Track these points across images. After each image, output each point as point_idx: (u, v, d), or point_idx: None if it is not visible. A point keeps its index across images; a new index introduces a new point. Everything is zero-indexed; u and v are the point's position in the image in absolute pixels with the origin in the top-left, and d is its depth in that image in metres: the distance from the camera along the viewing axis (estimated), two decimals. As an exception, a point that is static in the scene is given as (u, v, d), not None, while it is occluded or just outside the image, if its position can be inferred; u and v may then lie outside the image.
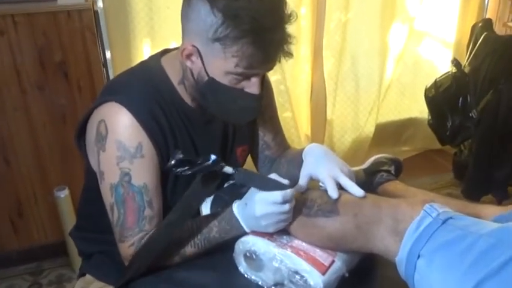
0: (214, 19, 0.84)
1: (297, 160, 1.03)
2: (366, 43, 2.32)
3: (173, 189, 0.99)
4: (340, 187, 0.91)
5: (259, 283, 0.89)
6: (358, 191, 0.88)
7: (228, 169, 0.86)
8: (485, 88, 2.04)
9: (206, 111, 0.98)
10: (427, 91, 2.23)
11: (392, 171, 1.13)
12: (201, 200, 0.97)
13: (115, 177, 0.91)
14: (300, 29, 2.14)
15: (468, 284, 0.69)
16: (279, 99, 2.13)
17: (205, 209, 1.03)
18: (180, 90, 0.98)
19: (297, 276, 0.84)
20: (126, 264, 0.95)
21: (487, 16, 2.46)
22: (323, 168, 0.93)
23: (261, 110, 1.00)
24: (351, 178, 0.92)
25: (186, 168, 0.83)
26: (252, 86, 0.91)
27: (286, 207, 0.85)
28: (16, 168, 1.79)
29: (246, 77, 0.89)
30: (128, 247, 0.93)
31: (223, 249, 0.92)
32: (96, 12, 1.74)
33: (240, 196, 0.91)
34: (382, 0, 2.26)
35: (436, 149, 2.64)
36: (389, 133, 2.64)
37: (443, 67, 2.50)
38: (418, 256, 0.76)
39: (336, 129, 2.44)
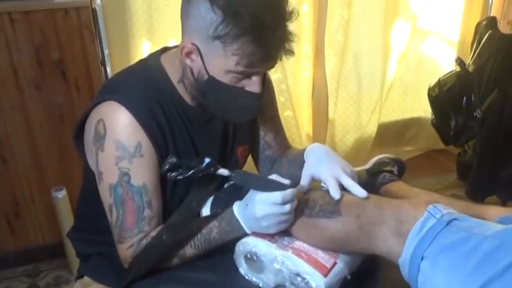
0: (215, 17, 0.84)
1: (299, 160, 1.03)
2: (368, 41, 2.32)
3: (173, 189, 0.99)
4: (343, 188, 0.91)
5: (260, 285, 0.89)
6: (360, 192, 0.88)
7: (224, 171, 0.86)
8: (490, 87, 2.04)
9: (206, 110, 0.98)
10: (430, 90, 2.23)
11: (395, 172, 1.14)
12: (203, 203, 0.97)
13: (114, 177, 0.91)
14: (301, 27, 2.14)
15: (472, 286, 0.69)
16: (280, 98, 2.13)
17: (205, 209, 1.03)
18: (180, 89, 0.98)
19: (299, 278, 0.84)
20: (125, 266, 0.95)
21: (492, 14, 2.46)
22: (325, 168, 0.93)
23: (261, 108, 1.00)
24: (353, 178, 0.92)
25: (180, 172, 0.83)
26: (252, 85, 0.91)
27: (287, 208, 0.85)
28: (13, 168, 1.79)
29: (247, 75, 0.89)
30: (126, 248, 0.93)
31: (224, 250, 0.92)
32: (94, 10, 1.74)
33: (240, 196, 0.91)
34: (384, -2, 2.26)
35: (440, 149, 2.63)
36: (392, 133, 2.64)
37: (446, 66, 2.49)
38: (422, 258, 0.76)
39: (338, 128, 2.44)
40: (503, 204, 2.09)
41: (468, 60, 2.19)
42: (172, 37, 1.89)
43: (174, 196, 0.99)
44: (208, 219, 0.93)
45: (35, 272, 1.93)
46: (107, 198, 0.93)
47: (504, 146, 2.04)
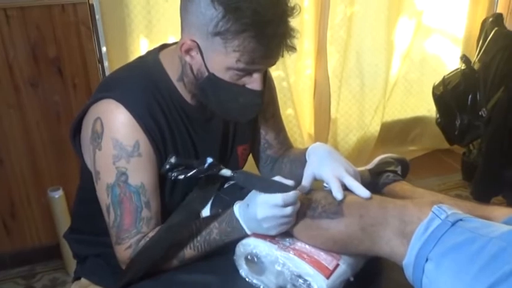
0: (215, 12, 0.84)
1: (300, 160, 1.03)
2: (372, 38, 2.32)
3: (172, 189, 0.99)
4: (345, 188, 0.91)
5: (261, 287, 0.89)
6: (363, 192, 0.88)
7: (226, 172, 0.86)
8: (496, 85, 2.03)
9: (206, 108, 0.98)
10: (434, 89, 2.23)
11: (399, 172, 1.14)
12: (204, 204, 0.96)
13: (111, 177, 0.91)
14: (303, 23, 2.14)
15: (478, 288, 0.69)
16: (281, 97, 2.12)
17: (205, 210, 1.03)
18: (179, 86, 0.98)
19: (300, 280, 0.84)
20: (122, 268, 0.95)
21: (498, 11, 2.46)
22: (327, 168, 0.93)
23: (262, 107, 1.00)
24: (356, 179, 0.92)
25: (181, 172, 0.83)
26: (253, 82, 0.91)
27: (288, 210, 0.85)
28: (8, 168, 1.79)
29: (248, 72, 0.89)
30: (124, 249, 0.93)
31: (224, 252, 0.92)
32: (91, 6, 1.74)
33: (241, 197, 0.91)
34: (388, -6, 2.26)
35: (444, 149, 2.63)
36: (395, 132, 2.64)
37: (451, 64, 2.49)
38: (426, 259, 0.76)
39: (340, 128, 2.44)
40: (510, 204, 2.09)
41: (474, 58, 2.18)
42: (171, 34, 1.89)
43: (173, 196, 0.99)
44: (208, 220, 0.93)
45: (30, 273, 1.93)
46: (104, 198, 0.93)
47: (510, 145, 2.04)
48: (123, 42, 1.88)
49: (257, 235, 0.90)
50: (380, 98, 2.41)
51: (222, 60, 0.87)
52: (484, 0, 2.48)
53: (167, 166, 0.83)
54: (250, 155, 1.19)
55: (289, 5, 0.88)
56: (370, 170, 1.15)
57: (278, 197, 0.84)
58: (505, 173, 2.08)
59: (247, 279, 0.91)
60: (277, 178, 0.89)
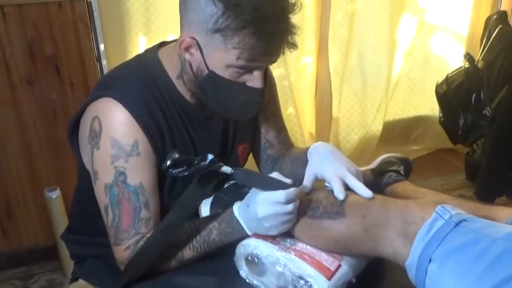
0: (215, 9, 0.84)
1: (302, 159, 1.03)
2: (374, 36, 2.32)
3: (170, 189, 0.99)
4: (347, 188, 0.91)
5: (262, 288, 0.89)
6: (366, 192, 0.88)
7: (227, 169, 0.86)
8: (500, 84, 2.03)
9: (206, 107, 0.98)
10: (438, 87, 2.23)
11: (402, 172, 1.14)
12: (200, 201, 0.97)
13: (109, 177, 0.91)
14: (304, 21, 2.14)
15: (482, 289, 0.70)
16: (281, 95, 2.13)
17: (205, 210, 1.03)
18: (179, 85, 0.98)
19: (301, 282, 0.84)
20: (121, 269, 0.95)
21: (502, 8, 2.45)
22: (329, 167, 0.93)
23: (263, 105, 1.00)
24: (358, 178, 0.92)
25: (183, 169, 0.83)
26: (254, 80, 0.91)
27: (290, 207, 0.85)
28: (4, 167, 1.79)
29: (248, 70, 0.89)
30: (123, 250, 0.93)
31: (224, 252, 0.92)
32: (89, 3, 1.74)
33: (241, 196, 0.91)
34: (391, -9, 2.26)
35: (448, 149, 2.63)
36: (398, 131, 2.64)
37: (455, 62, 2.49)
38: (430, 260, 0.76)
39: (342, 127, 2.44)
40: (514, 205, 2.09)
41: (477, 56, 2.18)
42: (170, 31, 1.89)
43: (172, 195, 0.99)
44: (208, 220, 0.93)
45: (27, 275, 1.93)
46: (102, 198, 0.93)
47: (514, 145, 2.04)
48: (121, 40, 1.88)
49: (258, 235, 0.90)
50: (382, 96, 2.41)
51: (222, 57, 0.87)
52: (488, -3, 2.49)
53: (168, 162, 0.83)
54: (251, 155, 1.19)
55: (289, 1, 0.88)
56: (372, 170, 1.15)
57: (280, 194, 0.84)
58: (509, 173, 2.08)
59: (247, 281, 0.91)
60: (274, 175, 0.88)
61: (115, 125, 0.90)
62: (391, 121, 2.59)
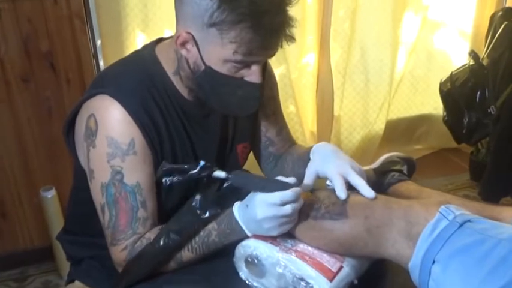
0: (210, 2, 0.83)
1: (304, 159, 1.03)
2: (376, 33, 2.32)
3: (168, 189, 0.99)
4: (349, 187, 0.91)
5: (262, 290, 0.89)
6: (368, 192, 0.88)
7: (220, 173, 0.86)
8: (505, 82, 2.03)
9: (204, 104, 0.98)
10: (442, 85, 2.23)
11: (405, 171, 1.14)
12: (207, 206, 0.95)
13: (106, 176, 0.91)
14: (305, 17, 2.13)
15: (487, 291, 0.70)
16: (282, 94, 2.12)
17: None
18: (176, 81, 0.97)
19: (302, 283, 0.84)
20: (118, 270, 0.95)
21: (507, 5, 2.45)
22: (332, 165, 0.93)
23: (262, 100, 0.99)
24: (362, 177, 0.92)
25: (175, 177, 0.83)
26: (252, 75, 0.90)
27: (288, 209, 0.84)
28: (-1, 166, 1.80)
29: (246, 64, 0.89)
30: (120, 251, 0.93)
31: (223, 253, 0.92)
32: (85, -1, 1.74)
33: (240, 197, 0.91)
34: (394, -13, 2.26)
35: (452, 148, 2.63)
36: (401, 130, 2.64)
37: (459, 59, 2.49)
38: (433, 261, 0.76)
39: (344, 126, 2.44)
40: (519, 205, 2.09)
41: (482, 53, 2.18)
42: (168, 28, 1.88)
43: (170, 196, 0.99)
44: (207, 221, 0.93)
45: (22, 276, 1.93)
46: (98, 198, 0.93)
47: (520, 144, 2.04)
48: (118, 36, 1.87)
49: (257, 236, 0.90)
50: (385, 94, 2.41)
51: (218, 52, 0.87)
52: (493, -7, 2.49)
53: (160, 173, 0.84)
54: (251, 154, 1.19)
55: None
56: (375, 170, 1.15)
57: (276, 196, 0.84)
58: (515, 172, 2.08)
59: (247, 282, 0.91)
60: (278, 178, 0.88)
61: (111, 123, 0.90)
62: (394, 120, 2.59)
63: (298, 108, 2.26)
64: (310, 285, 0.83)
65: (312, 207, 0.89)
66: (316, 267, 0.85)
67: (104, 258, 0.98)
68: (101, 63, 1.86)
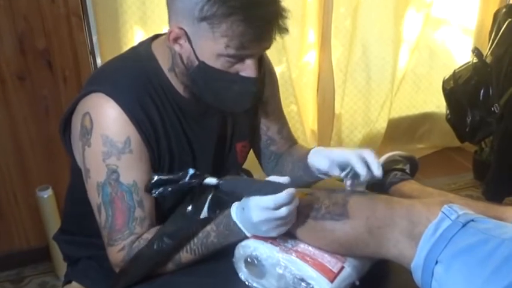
0: None
1: (303, 161, 1.03)
2: (378, 30, 2.32)
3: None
4: (350, 188, 0.91)
5: (261, 291, 0.89)
6: (377, 170, 0.91)
7: (211, 180, 0.85)
8: (509, 80, 2.03)
9: (200, 101, 0.97)
10: (445, 83, 2.23)
11: (407, 171, 1.13)
12: (201, 209, 0.95)
13: (101, 175, 0.91)
14: (305, 14, 2.13)
15: (491, 292, 0.70)
16: (283, 91, 2.11)
17: (203, 212, 1.02)
18: (171, 78, 0.97)
19: (303, 284, 0.84)
20: (116, 271, 0.95)
21: (511, 1, 2.45)
22: (343, 150, 0.95)
23: (259, 95, 0.98)
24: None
25: (166, 188, 0.83)
26: (247, 69, 0.90)
27: (283, 211, 0.83)
28: (-6, 166, 1.80)
29: (240, 59, 0.88)
30: (117, 252, 0.93)
31: (222, 254, 0.92)
32: (82, -5, 1.74)
33: (239, 196, 0.91)
34: (396, -17, 2.26)
35: (455, 147, 2.64)
36: (403, 129, 2.64)
37: (462, 57, 2.49)
38: (436, 262, 0.76)
39: (345, 124, 2.44)
40: (523, 205, 2.09)
41: (486, 51, 2.18)
42: (167, 25, 1.83)
43: (166, 201, 0.99)
44: (205, 222, 0.93)
45: (18, 277, 1.93)
46: (94, 197, 0.93)
47: (524, 143, 2.04)
48: (115, 34, 1.87)
49: (257, 236, 0.89)
50: (387, 92, 2.41)
51: (210, 47, 0.86)
52: (497, -10, 2.48)
53: (149, 185, 0.84)
54: (252, 153, 1.19)
55: None
56: (376, 169, 1.15)
57: (269, 199, 0.83)
58: (519, 172, 2.08)
59: (247, 283, 0.91)
60: (271, 178, 0.87)
61: (106, 122, 0.90)
62: (396, 118, 2.59)
63: (299, 107, 2.26)
64: (311, 286, 0.83)
65: (312, 207, 0.89)
66: (317, 268, 0.84)
67: (102, 258, 0.98)
68: (99, 60, 1.86)
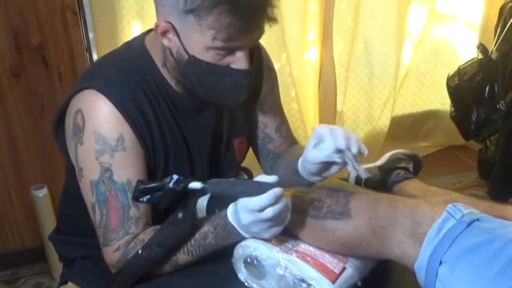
0: None
1: (294, 168, 1.01)
2: (381, 26, 2.31)
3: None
4: (353, 186, 0.91)
5: (261, 292, 0.89)
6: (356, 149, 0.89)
7: (196, 185, 0.84)
8: (515, 76, 2.03)
9: (194, 95, 0.97)
10: (449, 80, 2.23)
11: (411, 169, 1.14)
12: (190, 215, 0.94)
13: (95, 174, 0.91)
14: (306, 10, 2.13)
15: (496, 293, 0.70)
16: (283, 89, 2.12)
17: (201, 209, 1.02)
18: (165, 73, 0.97)
19: (304, 285, 0.84)
20: (112, 271, 0.95)
21: (518, -4, 2.45)
22: (317, 154, 0.92)
23: (251, 86, 0.96)
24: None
25: (153, 195, 0.83)
26: (238, 61, 0.89)
27: (269, 213, 0.81)
28: (-12, 165, 1.79)
29: (230, 51, 0.88)
30: (112, 252, 0.93)
31: (222, 255, 0.92)
32: (78, -10, 1.73)
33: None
34: (399, -23, 2.25)
35: (459, 145, 2.63)
36: (406, 127, 2.64)
37: (467, 53, 2.48)
38: (440, 262, 0.76)
39: (347, 122, 2.44)
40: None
41: (491, 47, 2.18)
42: (165, 20, 1.87)
43: (159, 203, 0.98)
44: (203, 222, 0.92)
45: (13, 278, 1.93)
46: (89, 196, 0.93)
47: (530, 141, 2.04)
48: (112, 29, 1.87)
49: (257, 236, 0.89)
50: (390, 89, 2.41)
51: (199, 40, 0.86)
52: (503, -16, 2.48)
53: (135, 193, 0.84)
54: (252, 152, 1.19)
55: None
56: (379, 167, 1.15)
57: (253, 202, 0.82)
58: (525, 170, 2.08)
59: (246, 284, 0.91)
60: (259, 177, 0.86)
61: (99, 119, 0.90)
62: (400, 116, 2.59)
63: (300, 104, 2.26)
64: (312, 287, 0.83)
65: (313, 206, 0.89)
66: (318, 268, 0.84)
67: (97, 258, 0.98)
68: (95, 56, 1.86)
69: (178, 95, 0.98)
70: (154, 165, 0.97)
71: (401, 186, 1.08)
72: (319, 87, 2.34)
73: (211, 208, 0.99)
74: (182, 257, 0.92)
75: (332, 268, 0.85)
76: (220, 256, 0.92)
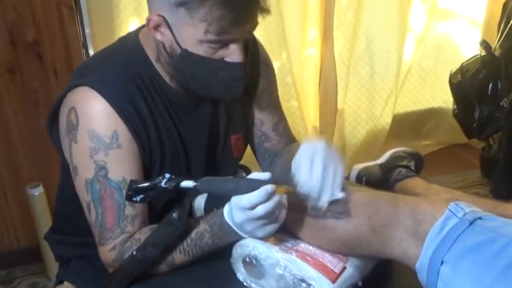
0: None
1: (288, 168, 1.00)
2: (383, 22, 2.31)
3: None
4: (354, 184, 0.90)
5: (260, 292, 0.89)
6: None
7: (188, 183, 0.83)
8: (518, 73, 2.03)
9: (188, 90, 0.96)
10: (452, 77, 2.23)
11: (412, 167, 1.14)
12: (184, 215, 0.94)
13: (90, 172, 0.90)
14: (307, 6, 2.13)
15: (499, 293, 0.69)
16: (283, 86, 2.12)
17: (199, 208, 1.02)
18: (159, 68, 0.96)
19: (303, 285, 0.84)
20: (108, 270, 0.95)
21: (521, -8, 2.45)
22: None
23: (246, 80, 0.96)
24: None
25: (146, 194, 0.83)
26: (232, 54, 0.89)
27: (260, 210, 0.81)
28: (-17, 163, 1.79)
29: (223, 44, 0.87)
30: (108, 251, 0.93)
31: (220, 254, 0.92)
32: (74, -15, 1.73)
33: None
34: (401, -27, 2.25)
35: (462, 143, 2.64)
36: (408, 125, 2.64)
37: (470, 50, 2.49)
38: (442, 262, 0.76)
39: (348, 120, 2.44)
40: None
41: (494, 43, 2.18)
42: (162, 16, 1.87)
43: (155, 202, 0.98)
44: (199, 221, 0.92)
45: (8, 278, 1.93)
46: (84, 195, 0.93)
47: (534, 139, 2.04)
48: (109, 25, 1.87)
49: (256, 235, 0.89)
50: (392, 87, 2.41)
51: (191, 33, 0.85)
52: (506, -20, 2.48)
53: (129, 192, 0.83)
54: (250, 150, 1.18)
55: None
56: (381, 165, 1.15)
57: (244, 199, 0.81)
58: (528, 169, 2.08)
59: (245, 284, 0.90)
60: (252, 175, 0.85)
61: (92, 116, 0.90)
62: (401, 114, 2.59)
63: (300, 102, 2.25)
64: (312, 286, 0.83)
65: (313, 205, 0.89)
66: (318, 268, 0.84)
67: (93, 257, 0.98)
68: (91, 53, 1.86)
69: (173, 90, 0.98)
70: (151, 165, 0.97)
71: (403, 185, 1.08)
72: (319, 84, 2.34)
73: (209, 207, 0.99)
74: (178, 256, 0.92)
75: (332, 268, 0.85)
76: (219, 256, 0.92)
